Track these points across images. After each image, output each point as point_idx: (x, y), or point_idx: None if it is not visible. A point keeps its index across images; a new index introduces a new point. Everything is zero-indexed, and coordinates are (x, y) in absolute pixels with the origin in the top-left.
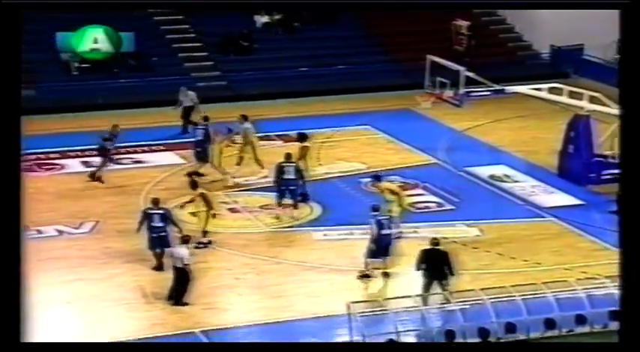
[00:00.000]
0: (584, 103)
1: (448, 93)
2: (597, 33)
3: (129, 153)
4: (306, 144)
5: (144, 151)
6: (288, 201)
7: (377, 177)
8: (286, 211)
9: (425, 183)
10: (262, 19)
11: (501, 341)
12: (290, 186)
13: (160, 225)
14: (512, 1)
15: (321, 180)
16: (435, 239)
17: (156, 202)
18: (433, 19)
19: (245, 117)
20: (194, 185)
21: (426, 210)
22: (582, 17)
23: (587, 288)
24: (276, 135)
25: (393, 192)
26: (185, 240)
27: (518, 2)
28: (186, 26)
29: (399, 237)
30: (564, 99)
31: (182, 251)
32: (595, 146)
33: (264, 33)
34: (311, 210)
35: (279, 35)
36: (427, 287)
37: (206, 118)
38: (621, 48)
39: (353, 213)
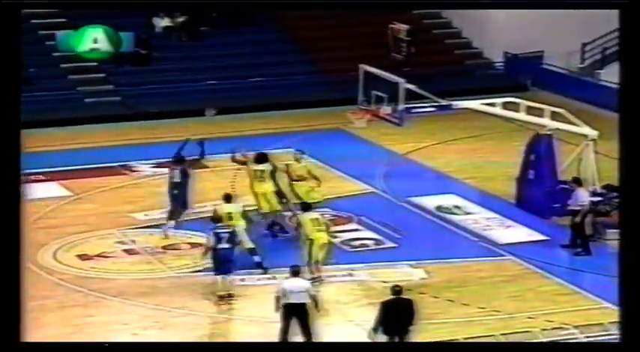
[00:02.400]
0: (546, 121)
1: (386, 109)
2: (559, 38)
3: None
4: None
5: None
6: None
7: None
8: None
9: (360, 216)
10: (162, 22)
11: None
12: None
13: None
14: (504, 1)
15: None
16: (398, 286)
17: None
18: (367, 21)
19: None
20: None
21: (363, 249)
22: (541, 20)
23: (553, 340)
24: None
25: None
26: (295, 271)
27: (511, 2)
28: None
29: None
30: (522, 115)
31: (302, 282)
32: (559, 171)
33: (165, 38)
34: None
35: (184, 41)
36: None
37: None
38: (621, 48)
39: (276, 252)
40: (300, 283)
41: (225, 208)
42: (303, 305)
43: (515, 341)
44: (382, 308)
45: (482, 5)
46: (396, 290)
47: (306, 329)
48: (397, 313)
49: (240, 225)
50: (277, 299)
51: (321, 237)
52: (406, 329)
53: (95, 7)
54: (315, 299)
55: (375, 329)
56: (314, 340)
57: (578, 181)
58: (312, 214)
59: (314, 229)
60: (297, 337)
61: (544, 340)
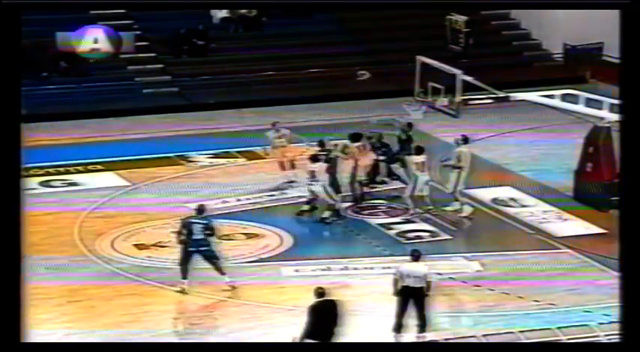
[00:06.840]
0: (605, 113)
1: (442, 101)
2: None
3: (60, 173)
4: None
5: (78, 171)
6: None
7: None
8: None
9: (416, 208)
10: (220, 14)
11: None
12: (201, 248)
13: None
14: (506, 1)
15: (292, 204)
16: (320, 288)
17: None
18: (424, 12)
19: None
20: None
21: (418, 241)
22: (601, 11)
23: (611, 335)
24: (238, 152)
25: None
26: (416, 256)
27: (512, 2)
28: (129, 21)
29: None
30: (581, 108)
31: (421, 267)
32: (618, 164)
33: (223, 29)
34: (280, 241)
35: (240, 32)
36: None
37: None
38: (621, 48)
39: (331, 243)
40: (418, 268)
41: None
42: (420, 288)
43: (515, 342)
44: (310, 311)
45: (481, 5)
46: (319, 291)
47: (422, 313)
48: (325, 316)
49: None
50: (395, 281)
51: (425, 176)
52: (332, 333)
53: (95, 7)
54: (428, 285)
55: (306, 334)
56: (428, 324)
57: None
58: (418, 158)
59: (417, 170)
60: (412, 320)
61: (602, 334)
